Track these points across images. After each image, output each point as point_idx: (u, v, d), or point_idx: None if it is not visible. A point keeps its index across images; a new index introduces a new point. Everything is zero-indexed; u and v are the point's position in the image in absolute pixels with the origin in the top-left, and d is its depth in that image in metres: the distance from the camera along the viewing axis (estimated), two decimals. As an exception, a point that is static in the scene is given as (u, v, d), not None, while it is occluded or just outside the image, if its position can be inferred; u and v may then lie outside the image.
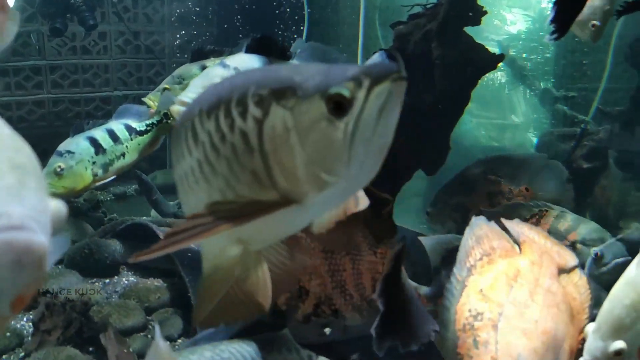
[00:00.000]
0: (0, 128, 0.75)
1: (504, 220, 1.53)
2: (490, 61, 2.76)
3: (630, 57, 3.43)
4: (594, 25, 2.02)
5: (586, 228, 2.16)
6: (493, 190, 2.47)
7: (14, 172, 0.70)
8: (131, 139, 2.61)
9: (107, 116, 4.53)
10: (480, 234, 1.42)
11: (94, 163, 2.44)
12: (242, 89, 0.95)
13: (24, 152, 0.75)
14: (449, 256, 1.60)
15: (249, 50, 2.08)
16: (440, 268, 1.67)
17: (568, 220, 2.18)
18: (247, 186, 0.96)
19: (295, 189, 0.93)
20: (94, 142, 2.48)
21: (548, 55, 4.77)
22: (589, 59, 3.90)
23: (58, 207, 0.75)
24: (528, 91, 5.03)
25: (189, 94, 1.92)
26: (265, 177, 0.94)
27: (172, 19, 4.59)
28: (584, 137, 3.26)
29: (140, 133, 2.65)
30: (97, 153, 2.46)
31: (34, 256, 0.67)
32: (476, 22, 2.69)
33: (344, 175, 0.91)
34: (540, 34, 4.81)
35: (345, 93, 0.86)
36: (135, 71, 4.60)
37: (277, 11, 4.43)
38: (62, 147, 2.44)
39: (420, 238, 1.78)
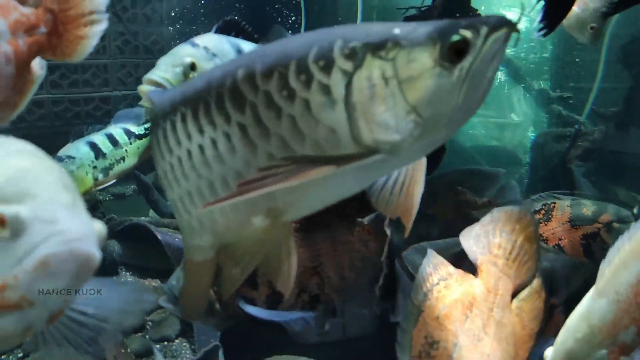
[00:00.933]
0: (36, 151, 0.83)
1: (462, 239, 1.53)
2: (485, 63, 2.80)
3: (622, 59, 3.46)
4: (592, 28, 2.08)
5: (614, 207, 2.20)
6: (459, 200, 2.51)
7: (67, 192, 0.78)
8: (130, 143, 2.68)
9: (107, 116, 4.59)
10: (437, 261, 1.43)
11: (94, 167, 2.50)
12: (324, 44, 0.97)
13: (66, 174, 0.83)
14: (456, 261, 1.60)
15: (219, 31, 2.10)
16: None
17: (590, 205, 2.22)
18: (315, 144, 0.98)
19: (388, 139, 0.95)
20: (94, 146, 2.54)
21: (546, 55, 4.81)
22: (585, 58, 3.93)
23: (99, 227, 0.82)
24: (524, 91, 5.07)
25: (158, 72, 1.86)
26: (346, 132, 0.96)
27: (171, 19, 4.63)
28: (578, 137, 3.31)
29: (140, 137, 2.73)
30: (97, 157, 2.52)
31: (90, 268, 0.74)
32: (470, 25, 2.73)
33: (446, 121, 0.95)
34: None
35: (462, 40, 0.91)
36: (134, 71, 4.64)
37: (274, 12, 4.47)
38: (62, 152, 2.50)
39: (425, 243, 1.78)
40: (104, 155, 2.55)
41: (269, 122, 1.01)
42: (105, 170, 2.55)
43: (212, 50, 1.93)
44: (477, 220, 1.58)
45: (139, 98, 3.57)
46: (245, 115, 1.03)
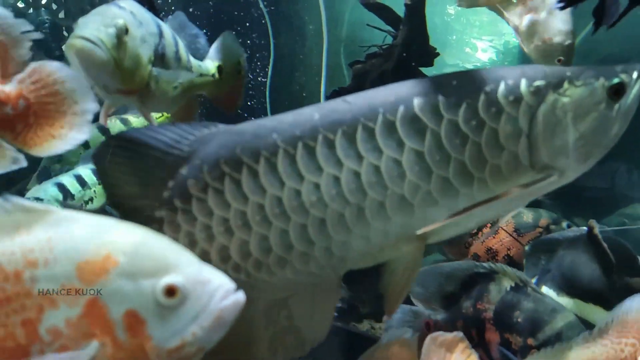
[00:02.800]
0: (117, 220, 0.94)
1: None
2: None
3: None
4: (559, 61, 2.20)
5: (546, 212, 2.45)
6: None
7: (187, 251, 0.92)
8: (99, 184, 2.65)
9: (86, 146, 4.64)
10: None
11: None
12: (509, 82, 1.18)
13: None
14: (469, 282, 1.70)
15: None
16: (458, 293, 1.74)
17: (527, 212, 2.44)
18: (494, 169, 1.17)
19: (561, 164, 1.18)
20: (62, 188, 2.55)
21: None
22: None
23: None
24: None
25: (90, 31, 1.58)
26: (526, 158, 1.17)
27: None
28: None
29: None
30: (65, 199, 2.51)
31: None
32: (429, 63, 2.91)
33: (602, 149, 1.20)
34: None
35: (621, 81, 1.18)
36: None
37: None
38: (30, 194, 2.50)
39: (438, 265, 1.82)
40: (72, 196, 2.55)
41: (451, 149, 1.16)
42: (74, 212, 2.57)
43: (138, 18, 1.77)
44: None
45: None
46: (425, 142, 1.16)
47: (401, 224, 1.17)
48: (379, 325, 3.10)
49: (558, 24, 2.14)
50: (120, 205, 1.27)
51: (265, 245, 1.19)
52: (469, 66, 5.88)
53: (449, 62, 6.16)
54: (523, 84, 1.18)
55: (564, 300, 1.59)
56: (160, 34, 1.85)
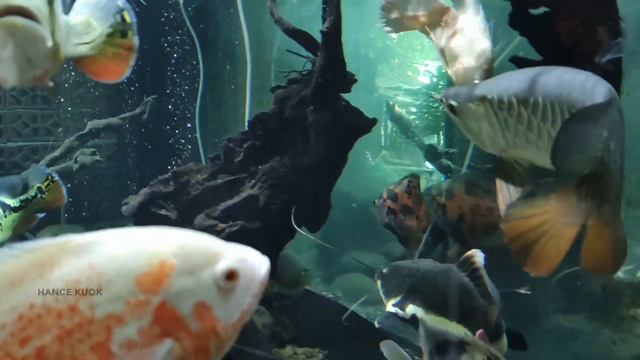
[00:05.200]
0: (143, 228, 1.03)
1: None
2: (364, 124, 3.12)
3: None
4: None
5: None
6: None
7: (210, 237, 1.04)
8: (5, 216, 2.60)
9: (0, 168, 4.68)
10: None
11: None
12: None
13: None
14: (442, 347, 1.71)
15: None
16: (435, 354, 1.79)
17: None
18: None
19: None
20: None
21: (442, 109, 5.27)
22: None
23: None
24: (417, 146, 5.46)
25: None
26: None
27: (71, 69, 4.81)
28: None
29: (15, 209, 2.64)
30: None
31: None
32: (346, 89, 3.06)
33: None
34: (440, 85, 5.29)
35: None
36: (31, 122, 4.77)
37: (172, 66, 4.74)
38: None
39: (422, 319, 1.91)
40: (-22, 230, 2.48)
41: None
42: (-23, 246, 2.48)
43: None
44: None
45: (35, 149, 3.60)
46: None
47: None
48: (302, 350, 3.22)
49: (478, 48, 2.31)
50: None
51: None
52: (412, 89, 6.14)
53: (392, 85, 6.42)
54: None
55: (431, 318, 1.75)
56: None
